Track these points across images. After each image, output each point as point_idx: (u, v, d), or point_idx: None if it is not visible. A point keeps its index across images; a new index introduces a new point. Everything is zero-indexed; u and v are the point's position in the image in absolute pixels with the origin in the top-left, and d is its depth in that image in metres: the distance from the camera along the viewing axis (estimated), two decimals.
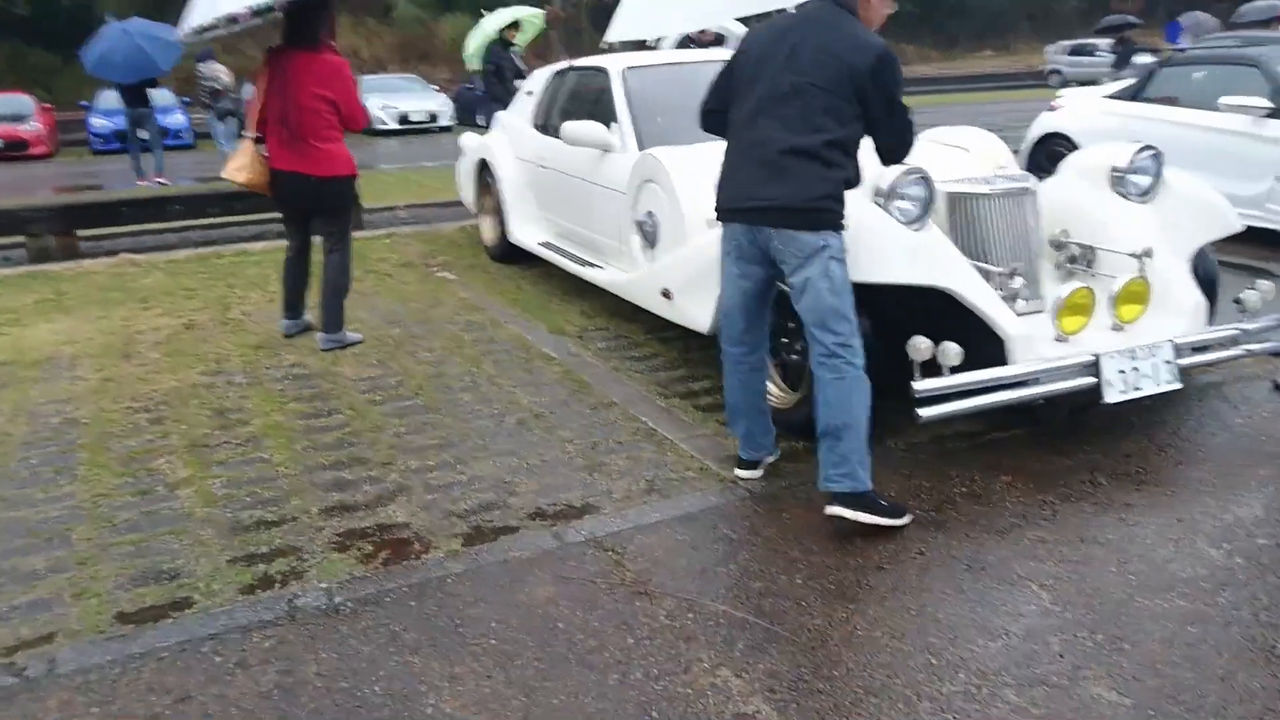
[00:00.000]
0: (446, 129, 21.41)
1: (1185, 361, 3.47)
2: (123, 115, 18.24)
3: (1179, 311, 3.64)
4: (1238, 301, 3.67)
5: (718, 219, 3.16)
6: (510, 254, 6.56)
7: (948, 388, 3.16)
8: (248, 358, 4.79)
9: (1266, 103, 6.35)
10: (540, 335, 5.04)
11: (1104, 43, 24.18)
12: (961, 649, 2.37)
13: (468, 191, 7.18)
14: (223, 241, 8.02)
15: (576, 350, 4.79)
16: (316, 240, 4.99)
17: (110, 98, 19.45)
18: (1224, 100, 6.46)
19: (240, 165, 4.89)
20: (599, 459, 3.55)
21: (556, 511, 3.17)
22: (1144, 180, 3.96)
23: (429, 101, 21.54)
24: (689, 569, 2.79)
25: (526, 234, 6.24)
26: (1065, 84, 30.62)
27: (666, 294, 4.30)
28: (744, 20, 4.67)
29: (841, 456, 2.93)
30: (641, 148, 4.99)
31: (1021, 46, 43.12)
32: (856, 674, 2.29)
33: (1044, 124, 8.03)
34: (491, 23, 9.23)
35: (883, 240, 3.31)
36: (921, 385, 3.12)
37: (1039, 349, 3.36)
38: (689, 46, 11.53)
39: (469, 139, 7.35)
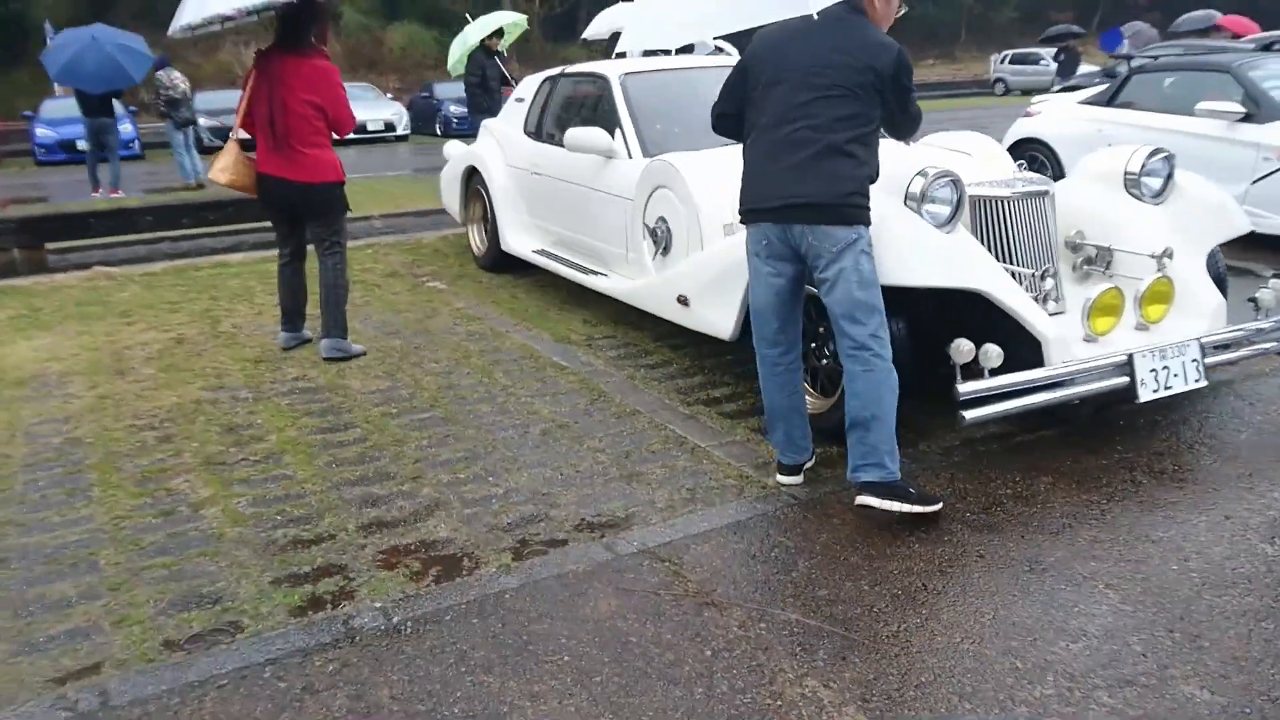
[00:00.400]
0: (403, 138, 21.20)
1: (1211, 360, 3.52)
2: (70, 125, 17.86)
3: (1200, 311, 3.70)
4: (1253, 300, 3.75)
5: (743, 220, 3.16)
6: (501, 263, 6.48)
7: (990, 389, 3.17)
8: (248, 372, 4.65)
9: (1240, 108, 6.52)
10: (547, 344, 4.98)
11: (1047, 51, 24.87)
12: (1044, 651, 2.36)
13: (453, 200, 7.08)
14: (195, 253, 7.79)
15: (587, 359, 4.73)
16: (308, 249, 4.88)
17: (54, 107, 18.98)
18: (1201, 105, 6.62)
19: (224, 166, 4.79)
20: (634, 468, 3.49)
21: (602, 523, 3.11)
22: (1156, 182, 4.03)
23: (384, 110, 21.29)
24: (751, 578, 2.75)
25: (520, 242, 6.17)
26: (1008, 91, 31.48)
27: (683, 300, 4.27)
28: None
29: (871, 447, 2.96)
30: (646, 154, 4.96)
31: (963, 55, 44.09)
32: (945, 680, 2.27)
33: (1020, 129, 8.16)
34: (474, 32, 9.12)
35: (916, 244, 3.31)
36: (965, 387, 3.13)
37: (1073, 350, 3.39)
38: (655, 54, 11.59)
39: (454, 147, 7.25)
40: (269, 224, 8.36)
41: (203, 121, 16.27)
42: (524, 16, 10.08)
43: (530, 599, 2.68)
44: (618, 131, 5.13)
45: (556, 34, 33.88)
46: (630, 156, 5.01)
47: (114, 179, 12.02)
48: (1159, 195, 4.03)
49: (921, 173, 3.42)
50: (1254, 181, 6.46)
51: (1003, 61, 32.32)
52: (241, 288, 6.36)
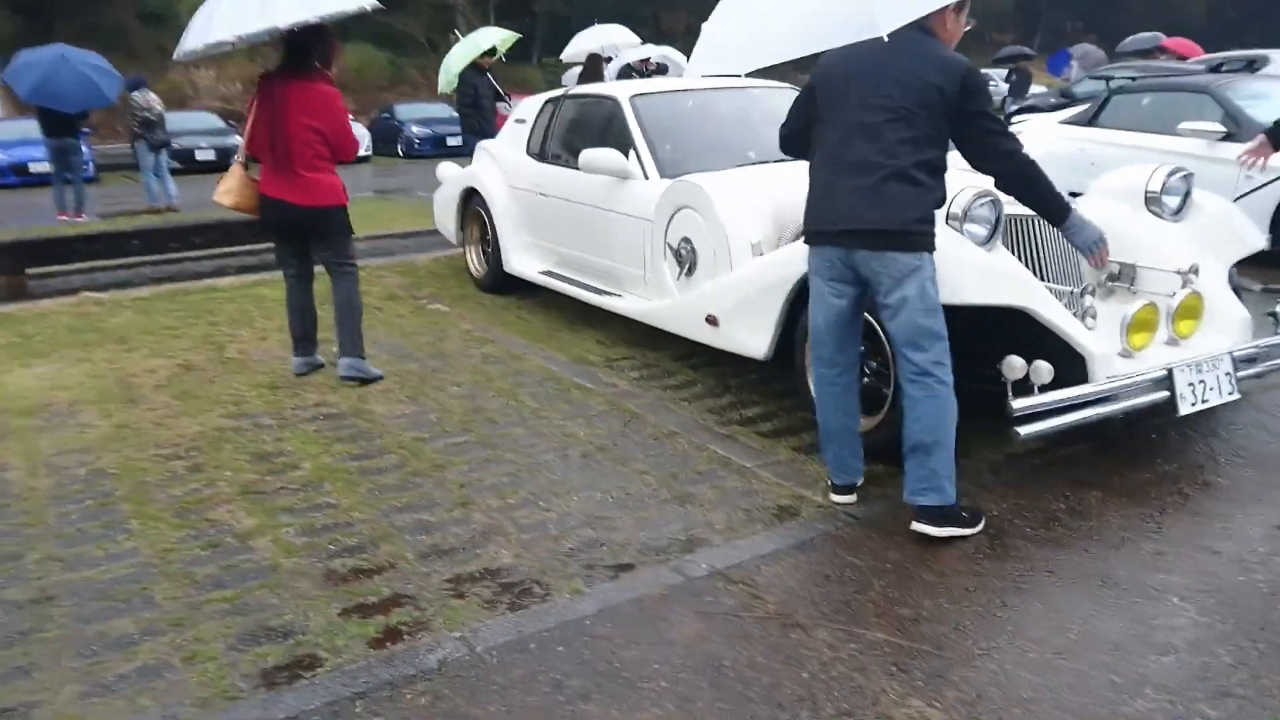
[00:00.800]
0: (364, 159, 20.99)
1: (1242, 374, 3.61)
2: (21, 147, 17.43)
3: (1227, 325, 3.80)
4: (1272, 315, 3.86)
5: (807, 240, 3.17)
6: (502, 284, 6.44)
7: (1042, 406, 3.22)
8: (266, 398, 4.56)
9: (1221, 127, 6.73)
10: (566, 366, 4.95)
11: (998, 72, 25.43)
12: (1136, 665, 2.39)
13: (449, 222, 7.02)
14: (179, 278, 7.62)
15: (610, 380, 4.71)
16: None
17: (3, 129, 18.51)
18: (1183, 125, 6.83)
19: (228, 188, 4.75)
20: (685, 490, 3.48)
21: (664, 545, 3.09)
22: (1175, 200, 4.14)
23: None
24: (829, 598, 2.75)
25: (524, 263, 6.14)
26: None
27: (712, 320, 4.28)
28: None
29: (930, 471, 2.99)
30: (662, 175, 4.98)
31: None
32: (1047, 696, 2.29)
33: None
34: (465, 50, 9.03)
35: (960, 262, 3.35)
36: (1019, 404, 3.17)
37: (1115, 365, 3.46)
38: (630, 76, 11.64)
39: (449, 169, 7.20)
40: (253, 247, 8.33)
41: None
42: (515, 35, 10.02)
43: (611, 625, 2.65)
44: (631, 153, 5.14)
45: (514, 56, 33.90)
46: (646, 177, 5.02)
47: (78, 202, 11.73)
48: (1178, 213, 4.14)
49: (961, 192, 3.47)
50: (1235, 199, 6.65)
51: None
52: (239, 312, 6.23)
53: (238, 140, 19.42)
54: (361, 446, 3.96)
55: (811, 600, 2.74)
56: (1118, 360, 3.50)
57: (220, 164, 19.07)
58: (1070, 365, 3.43)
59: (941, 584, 2.81)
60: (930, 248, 2.96)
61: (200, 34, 4.32)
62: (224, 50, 4.39)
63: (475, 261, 6.79)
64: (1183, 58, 12.92)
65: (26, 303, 6.64)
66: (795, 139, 3.27)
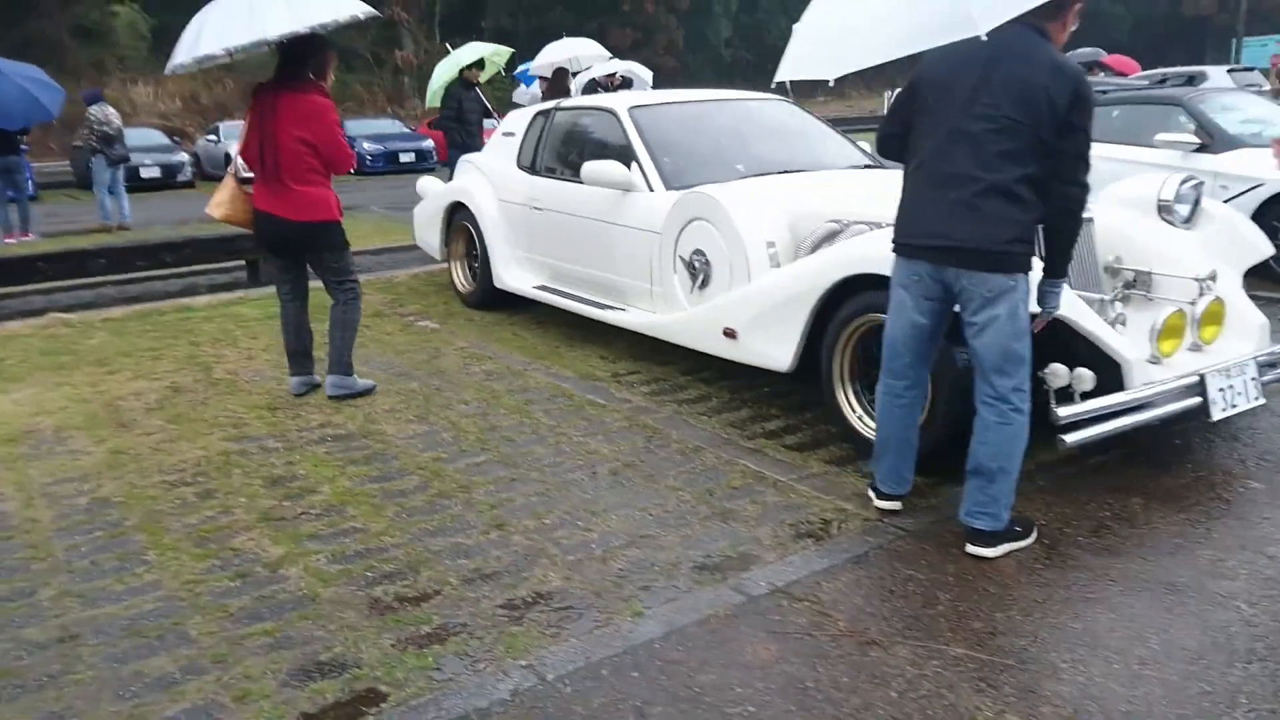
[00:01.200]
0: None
1: (1266, 378, 3.66)
2: None
3: (1247, 331, 3.85)
4: None
5: (896, 250, 3.02)
6: (490, 300, 6.32)
7: (1087, 413, 3.21)
8: (267, 420, 4.38)
9: (1195, 139, 6.89)
10: (573, 382, 4.84)
11: None
12: (1224, 675, 2.37)
13: (432, 237, 6.87)
14: (147, 297, 7.35)
15: (623, 395, 4.62)
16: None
17: None
18: (1159, 136, 6.97)
19: (220, 201, 4.63)
20: (724, 506, 3.40)
21: (717, 563, 3.01)
22: (1185, 208, 4.19)
23: None
24: (898, 613, 2.69)
25: (516, 279, 6.02)
26: None
27: (730, 333, 4.22)
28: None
29: (991, 497, 2.95)
30: (668, 187, 4.92)
31: (851, 93, 45.66)
32: (1144, 709, 2.25)
33: None
34: (449, 64, 8.86)
35: None
36: (1064, 412, 3.16)
37: (1149, 372, 3.47)
38: (595, 90, 11.58)
39: (431, 183, 7.07)
40: (224, 265, 8.07)
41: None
42: (509, 51, 9.88)
43: (682, 647, 2.56)
44: (634, 165, 5.07)
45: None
46: (651, 190, 4.96)
47: (24, 221, 11.29)
48: (1188, 220, 4.19)
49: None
50: None
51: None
52: (220, 331, 6.01)
53: (183, 157, 19.06)
54: (379, 468, 3.81)
55: (881, 616, 2.68)
56: (1151, 367, 3.51)
57: (165, 181, 18.61)
58: (1103, 372, 3.44)
59: (1008, 596, 2.76)
60: (1027, 268, 2.83)
61: (189, 48, 4.18)
62: (214, 63, 4.25)
63: (461, 277, 6.65)
64: (1122, 74, 13.27)
65: None
66: (892, 141, 3.08)
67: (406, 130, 23.24)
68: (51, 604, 2.85)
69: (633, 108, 5.38)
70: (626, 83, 12.78)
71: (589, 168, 5.08)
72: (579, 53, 11.11)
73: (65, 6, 30.17)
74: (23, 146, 16.49)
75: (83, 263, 7.05)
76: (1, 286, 6.82)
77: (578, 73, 11.47)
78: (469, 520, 3.35)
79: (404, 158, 21.24)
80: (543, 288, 5.80)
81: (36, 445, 4.14)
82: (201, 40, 4.09)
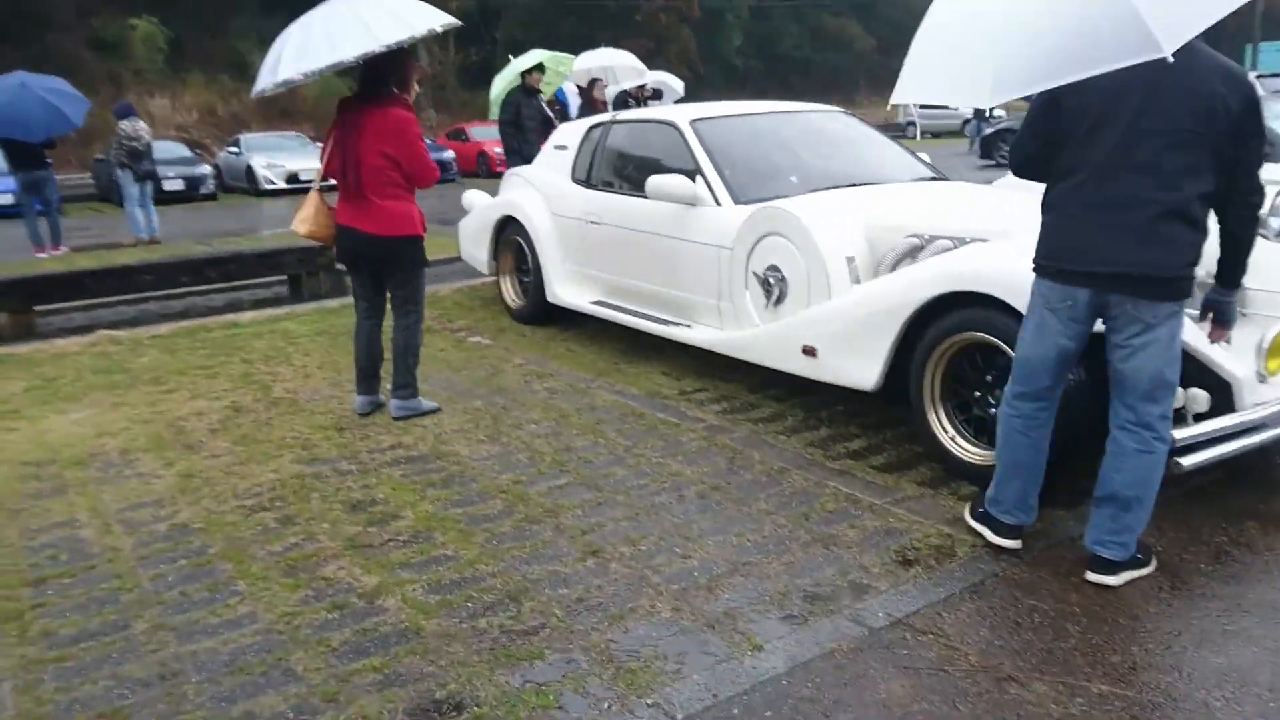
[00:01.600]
0: (333, 187, 20.56)
1: None
2: (7, 178, 16.78)
3: None
4: None
5: (1047, 275, 2.81)
6: (541, 315, 6.25)
7: (1203, 435, 3.11)
8: (335, 441, 4.30)
9: None
10: (641, 400, 4.75)
11: None
12: None
13: (480, 251, 6.80)
14: (190, 313, 7.30)
15: (695, 414, 4.53)
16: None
17: None
18: None
19: (305, 216, 4.60)
20: (823, 531, 3.31)
21: (828, 593, 2.91)
22: (1278, 222, 4.09)
23: (316, 159, 20.60)
24: (1029, 647, 2.59)
25: (571, 294, 5.94)
26: (923, 135, 32.72)
27: (809, 351, 4.13)
28: None
29: (1125, 526, 2.84)
30: (736, 201, 4.84)
31: (864, 101, 45.63)
32: None
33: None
34: (506, 74, 8.75)
35: None
36: (1181, 434, 3.05)
37: (1259, 391, 3.37)
38: (626, 102, 11.53)
39: (477, 196, 7.00)
40: (266, 280, 8.01)
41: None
42: (570, 57, 9.72)
43: (810, 684, 2.46)
44: (699, 179, 4.99)
45: (473, 82, 33.65)
46: (719, 204, 4.87)
47: (55, 235, 11.27)
48: (1279, 234, 4.09)
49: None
50: None
51: (914, 106, 33.53)
52: (271, 349, 5.94)
53: (206, 170, 19.06)
54: (459, 491, 3.73)
55: (1012, 649, 2.58)
56: (1260, 386, 3.41)
57: (189, 194, 18.62)
58: (1211, 392, 3.34)
59: (1141, 628, 2.66)
60: (1191, 292, 2.71)
61: (270, 72, 4.11)
62: (294, 85, 4.16)
63: (511, 292, 6.58)
64: None
65: (39, 343, 6.27)
66: (1035, 164, 2.85)
67: (427, 141, 23.21)
68: (147, 638, 2.76)
69: (695, 120, 5.30)
70: (657, 94, 12.75)
71: (654, 182, 4.99)
72: (615, 63, 11.05)
73: (82, 20, 30.32)
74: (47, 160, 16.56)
75: (129, 278, 6.99)
76: (49, 303, 6.76)
77: (606, 85, 11.42)
78: (562, 547, 3.26)
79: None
80: (600, 303, 5.72)
81: (105, 468, 4.07)
82: (281, 65, 4.02)
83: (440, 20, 4.16)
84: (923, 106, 33.09)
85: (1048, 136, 2.75)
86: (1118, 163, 2.62)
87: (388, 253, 4.39)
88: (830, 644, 2.63)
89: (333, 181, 4.71)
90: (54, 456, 4.22)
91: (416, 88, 4.45)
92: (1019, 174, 2.99)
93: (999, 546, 3.10)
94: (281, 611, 2.89)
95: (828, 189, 4.85)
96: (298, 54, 4.00)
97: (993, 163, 18.87)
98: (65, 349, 6.05)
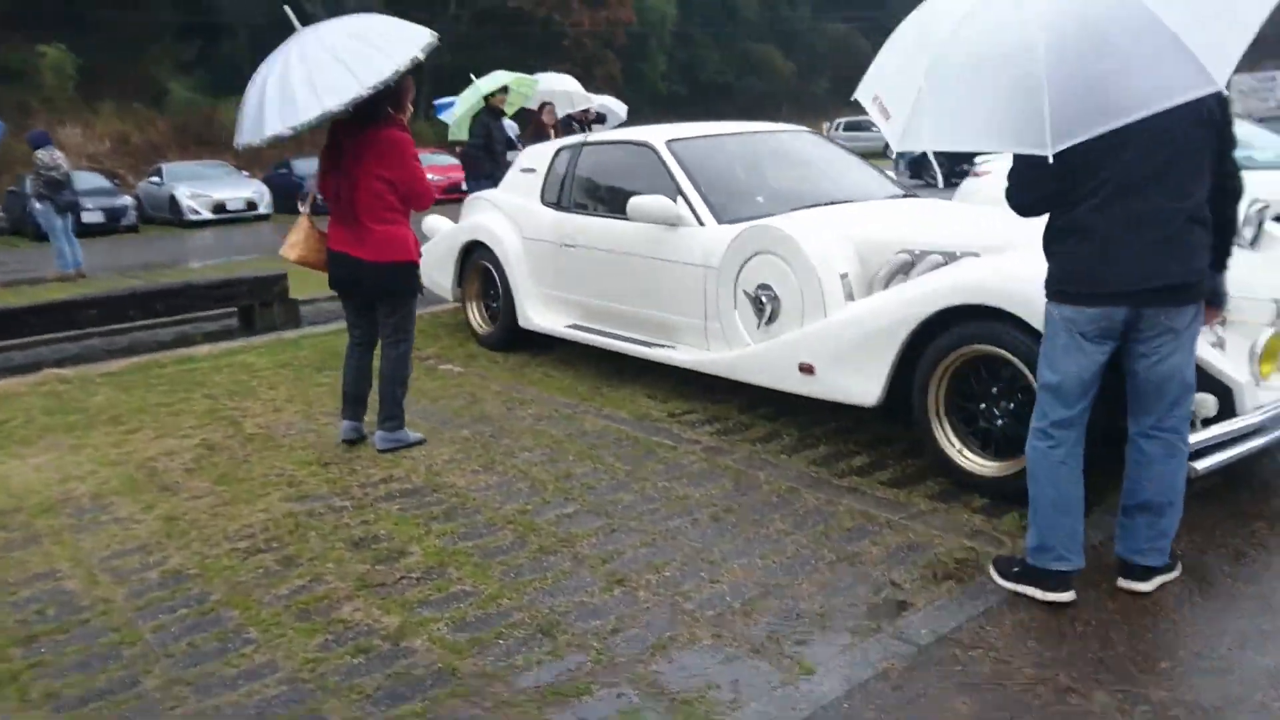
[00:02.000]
0: (264, 217, 20.12)
1: None
2: None
3: None
4: None
5: (1072, 300, 2.73)
6: (510, 341, 6.14)
7: (1212, 439, 3.17)
8: (321, 476, 4.13)
9: None
10: (632, 424, 4.68)
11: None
12: None
13: (443, 278, 6.65)
14: (137, 349, 6.97)
15: (690, 436, 4.48)
16: None
17: None
18: None
19: (294, 242, 4.47)
20: (846, 550, 3.28)
21: (865, 611, 2.88)
22: (1250, 231, 4.22)
23: (244, 189, 20.19)
24: (1080, 655, 2.59)
25: (544, 318, 5.85)
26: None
27: (807, 369, 4.12)
28: None
29: (1161, 532, 2.87)
30: (719, 220, 4.82)
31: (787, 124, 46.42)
32: None
33: (969, 190, 8.52)
34: (471, 95, 8.59)
35: None
36: (1195, 438, 3.11)
37: (1258, 395, 3.45)
38: (571, 126, 11.49)
39: (439, 221, 6.86)
40: (213, 313, 7.73)
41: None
42: (534, 79, 9.61)
43: (873, 707, 2.41)
44: (679, 199, 4.96)
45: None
46: (702, 223, 4.85)
47: None
48: (1254, 243, 4.22)
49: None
50: None
51: (836, 129, 34.20)
52: (233, 383, 5.71)
53: (127, 200, 18.42)
54: (464, 524, 3.60)
55: (1064, 660, 2.58)
56: (1259, 390, 3.50)
57: (110, 226, 17.96)
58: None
59: (1182, 631, 2.69)
60: (1206, 289, 2.77)
61: (253, 128, 3.93)
62: (284, 139, 3.96)
63: (478, 318, 6.45)
64: None
65: None
66: (1048, 201, 2.75)
67: None
68: (162, 695, 2.59)
69: (670, 141, 5.28)
70: (600, 118, 12.74)
71: (635, 202, 4.95)
72: (562, 87, 11.02)
73: None
74: None
75: (73, 314, 6.66)
76: None
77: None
78: (584, 577, 3.16)
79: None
80: (576, 326, 5.64)
81: (78, 514, 3.83)
82: (265, 120, 3.84)
83: (422, 43, 4.02)
84: (848, 129, 33.79)
85: (1057, 172, 2.57)
86: (1143, 180, 2.61)
87: (382, 279, 4.26)
88: (882, 664, 2.59)
89: (302, 208, 4.57)
90: (19, 504, 3.96)
91: (410, 107, 4.33)
92: (1028, 215, 2.86)
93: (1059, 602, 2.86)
94: (303, 658, 2.74)
95: (811, 207, 4.87)
96: (282, 105, 3.82)
97: (922, 183, 19.32)
98: (10, 389, 5.72)
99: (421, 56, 3.97)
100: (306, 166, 21.83)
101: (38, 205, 11.24)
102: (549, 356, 5.99)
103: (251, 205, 19.76)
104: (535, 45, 36.29)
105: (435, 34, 4.10)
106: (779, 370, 4.28)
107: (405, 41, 4.00)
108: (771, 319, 4.41)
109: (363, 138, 4.12)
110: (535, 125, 10.20)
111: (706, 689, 2.52)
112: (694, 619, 2.87)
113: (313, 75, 3.83)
